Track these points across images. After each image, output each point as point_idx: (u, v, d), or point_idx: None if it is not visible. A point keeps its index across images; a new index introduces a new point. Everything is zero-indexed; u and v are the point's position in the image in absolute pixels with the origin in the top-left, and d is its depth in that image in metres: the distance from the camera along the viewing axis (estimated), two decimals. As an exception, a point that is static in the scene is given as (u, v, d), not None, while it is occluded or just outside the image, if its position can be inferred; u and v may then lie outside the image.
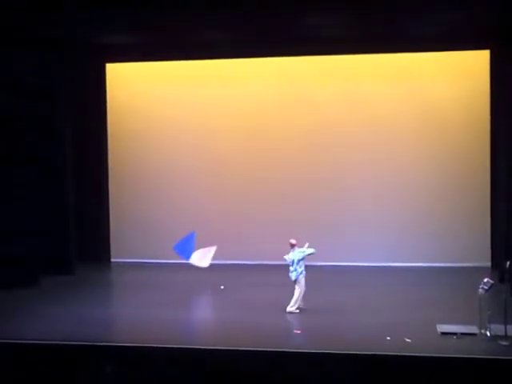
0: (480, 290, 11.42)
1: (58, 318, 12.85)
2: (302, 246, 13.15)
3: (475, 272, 14.75)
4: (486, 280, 11.51)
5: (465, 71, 17.21)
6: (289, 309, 12.85)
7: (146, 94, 18.50)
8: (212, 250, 14.94)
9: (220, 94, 18.20)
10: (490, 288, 11.33)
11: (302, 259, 13.04)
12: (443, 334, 11.45)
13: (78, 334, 11.68)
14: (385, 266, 17.19)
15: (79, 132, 17.61)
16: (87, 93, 18.05)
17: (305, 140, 17.83)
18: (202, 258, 14.92)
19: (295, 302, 12.92)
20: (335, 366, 10.50)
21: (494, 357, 10.43)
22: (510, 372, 10.14)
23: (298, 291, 12.94)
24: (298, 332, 11.68)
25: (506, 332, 10.98)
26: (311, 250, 13.11)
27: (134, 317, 12.99)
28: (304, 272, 13.05)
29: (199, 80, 18.21)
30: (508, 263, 12.08)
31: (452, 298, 13.94)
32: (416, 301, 13.83)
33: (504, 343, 10.86)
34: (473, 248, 16.85)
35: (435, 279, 15.84)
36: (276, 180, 17.90)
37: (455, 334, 11.34)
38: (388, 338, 11.22)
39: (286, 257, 13.21)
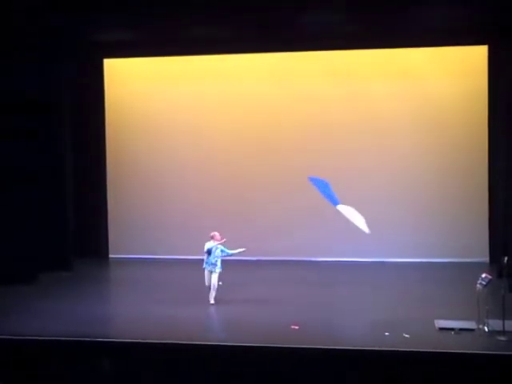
0: (478, 286, 11.44)
1: (56, 314, 12.85)
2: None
3: (473, 267, 14.74)
4: (484, 275, 11.53)
5: (463, 67, 17.18)
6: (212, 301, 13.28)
7: (144, 90, 18.43)
8: (363, 219, 13.15)
9: (219, 90, 18.14)
10: (488, 283, 11.34)
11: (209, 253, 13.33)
12: (441, 329, 11.46)
13: (76, 329, 11.67)
14: (383, 262, 17.21)
15: (77, 129, 17.56)
16: (85, 89, 17.99)
17: (304, 138, 17.78)
18: (353, 217, 13.25)
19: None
20: (333, 362, 10.52)
21: (491, 352, 10.45)
22: (508, 367, 10.16)
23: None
24: (296, 328, 11.68)
25: (503, 327, 10.98)
26: (221, 247, 13.32)
27: (132, 313, 12.99)
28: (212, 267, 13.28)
29: (198, 77, 18.15)
30: (506, 258, 12.09)
31: (450, 293, 13.94)
32: (414, 296, 13.84)
33: (502, 338, 10.88)
34: (471, 243, 16.85)
35: (433, 274, 15.85)
36: (275, 178, 17.85)
37: (453, 329, 11.35)
38: (386, 334, 11.23)
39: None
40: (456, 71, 17.21)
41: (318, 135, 17.74)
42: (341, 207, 13.21)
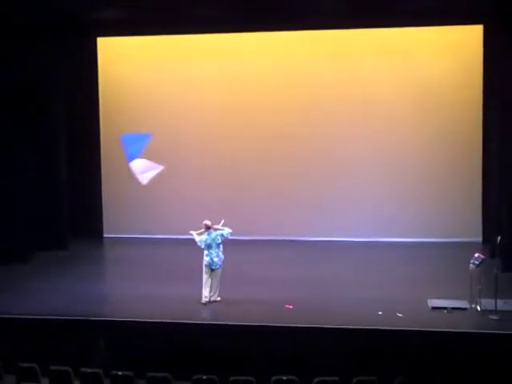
0: (471, 265, 11.51)
1: (51, 293, 12.91)
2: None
3: (466, 247, 14.80)
4: (476, 255, 11.60)
5: (458, 47, 17.07)
6: (212, 298, 12.05)
7: (139, 69, 18.29)
8: (159, 168, 13.02)
9: (214, 70, 18.02)
10: (480, 263, 11.43)
11: (222, 243, 12.10)
12: (434, 308, 11.57)
13: (71, 308, 11.75)
14: (376, 241, 17.23)
15: (71, 109, 17.47)
16: (79, 68, 17.84)
17: (299, 116, 17.66)
18: (144, 170, 13.01)
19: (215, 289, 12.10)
20: (327, 341, 10.61)
21: (484, 331, 10.58)
22: (500, 346, 10.27)
23: (216, 280, 12.10)
24: (290, 307, 11.75)
25: (496, 306, 11.10)
26: (228, 231, 12.09)
27: (127, 292, 13.04)
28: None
29: (193, 56, 17.99)
30: (499, 238, 12.15)
31: (443, 272, 14.02)
32: (407, 276, 13.91)
33: (494, 317, 10.99)
34: (464, 223, 16.89)
35: (426, 254, 15.89)
36: (269, 156, 17.81)
37: (446, 308, 11.46)
38: (380, 313, 11.32)
39: (198, 238, 12.16)
40: (451, 50, 17.12)
41: (313, 114, 17.63)
42: (134, 162, 12.95)
